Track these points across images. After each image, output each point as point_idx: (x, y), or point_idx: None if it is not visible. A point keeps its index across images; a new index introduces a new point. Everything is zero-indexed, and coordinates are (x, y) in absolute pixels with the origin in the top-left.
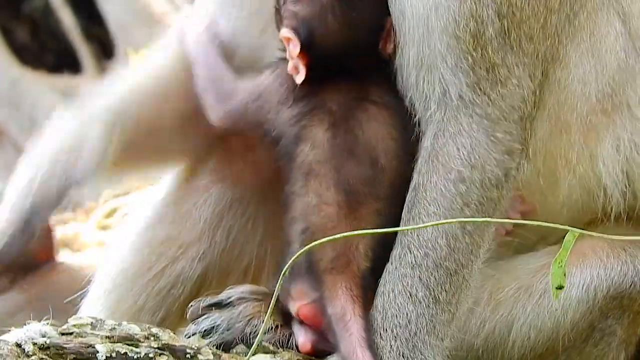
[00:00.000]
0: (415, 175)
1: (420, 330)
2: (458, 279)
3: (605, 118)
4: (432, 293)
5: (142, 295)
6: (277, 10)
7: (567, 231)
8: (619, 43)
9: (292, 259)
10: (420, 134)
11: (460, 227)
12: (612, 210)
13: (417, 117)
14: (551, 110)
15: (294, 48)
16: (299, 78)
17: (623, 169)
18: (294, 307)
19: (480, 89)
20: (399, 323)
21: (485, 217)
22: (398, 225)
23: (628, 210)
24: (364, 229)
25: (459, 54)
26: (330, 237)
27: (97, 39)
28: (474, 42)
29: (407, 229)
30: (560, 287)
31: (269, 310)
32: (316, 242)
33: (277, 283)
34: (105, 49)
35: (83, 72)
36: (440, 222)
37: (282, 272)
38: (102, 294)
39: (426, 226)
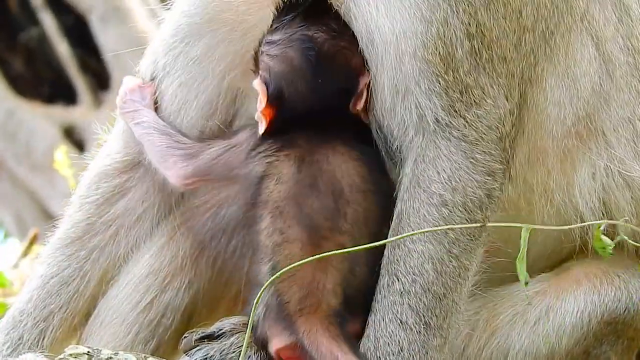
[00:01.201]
0: (398, 203)
1: (413, 356)
2: (447, 302)
3: (580, 144)
4: (423, 319)
5: (134, 327)
6: (256, 55)
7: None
8: (592, 67)
9: (258, 296)
10: (401, 161)
11: (446, 251)
12: (590, 240)
13: (395, 144)
14: (529, 134)
15: (261, 101)
16: (261, 129)
17: (599, 197)
18: (272, 347)
19: (456, 111)
20: (392, 351)
21: (471, 240)
22: (368, 261)
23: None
24: (330, 264)
25: (430, 77)
26: (300, 262)
27: (93, 70)
28: (444, 64)
29: (386, 242)
30: (526, 283)
31: (244, 347)
32: (281, 271)
33: (248, 323)
34: (100, 80)
35: (79, 102)
36: (407, 234)
37: (251, 313)
38: (96, 326)
39: (400, 238)
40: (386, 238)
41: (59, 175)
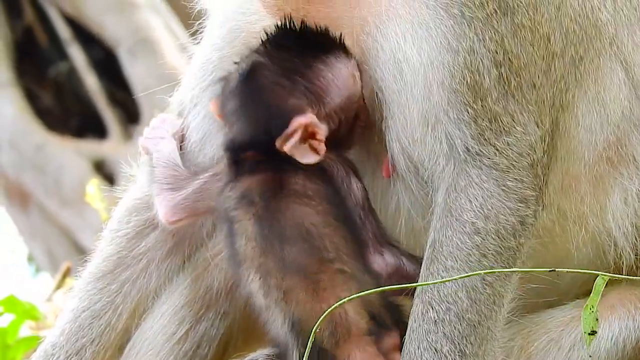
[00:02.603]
0: (431, 232)
1: None
2: (482, 330)
3: (612, 169)
4: (458, 347)
5: (169, 358)
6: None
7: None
8: (622, 92)
9: (308, 347)
10: (432, 190)
11: (480, 278)
12: (624, 265)
13: (427, 174)
14: (562, 160)
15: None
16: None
17: (632, 222)
18: None
19: (486, 140)
20: None
21: (505, 267)
22: (372, 277)
23: None
24: (342, 292)
25: (459, 106)
26: (344, 299)
27: (122, 103)
28: (472, 93)
29: (426, 284)
30: (592, 333)
31: None
32: (326, 312)
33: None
34: (130, 113)
35: (108, 136)
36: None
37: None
38: (132, 358)
39: (444, 281)
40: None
41: (89, 209)
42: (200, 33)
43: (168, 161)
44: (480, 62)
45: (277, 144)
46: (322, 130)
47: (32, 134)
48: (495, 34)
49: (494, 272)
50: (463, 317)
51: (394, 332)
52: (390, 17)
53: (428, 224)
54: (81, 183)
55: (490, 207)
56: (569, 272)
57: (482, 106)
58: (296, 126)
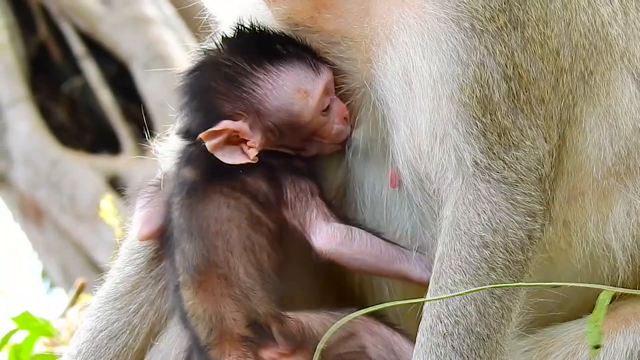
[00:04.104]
0: (439, 246)
1: None
2: (491, 343)
3: (617, 182)
4: None
5: None
6: None
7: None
8: (634, 104)
9: (330, 330)
10: (439, 204)
11: (488, 292)
12: (619, 278)
13: (433, 187)
14: (569, 175)
15: None
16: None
17: (633, 234)
18: None
19: (495, 154)
20: None
21: (513, 281)
22: (266, 286)
23: (637, 278)
24: (221, 296)
25: (468, 120)
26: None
27: (136, 118)
28: (481, 107)
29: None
30: (597, 347)
31: None
32: (339, 323)
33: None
34: (144, 129)
35: (122, 152)
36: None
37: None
38: None
39: (452, 296)
40: None
41: (103, 225)
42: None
43: (153, 178)
44: (490, 76)
45: (200, 137)
46: (255, 139)
47: (46, 149)
48: (505, 47)
49: (499, 286)
50: (472, 331)
51: (281, 345)
52: (401, 28)
53: (432, 237)
54: (95, 199)
55: (498, 221)
56: (574, 285)
57: (491, 120)
58: (221, 127)
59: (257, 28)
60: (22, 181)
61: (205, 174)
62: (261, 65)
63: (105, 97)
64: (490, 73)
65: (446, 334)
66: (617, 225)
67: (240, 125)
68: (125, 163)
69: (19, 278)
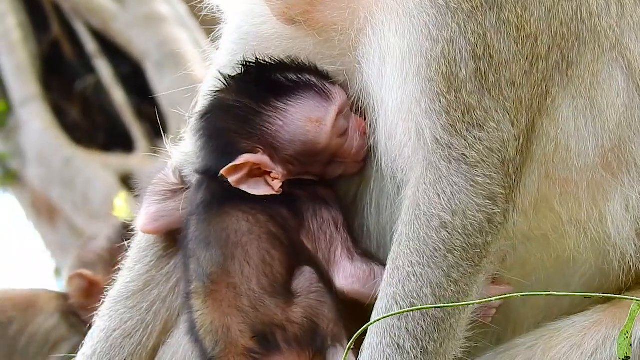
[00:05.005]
0: (399, 226)
1: None
2: (446, 328)
3: (610, 176)
4: (420, 343)
5: None
6: None
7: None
8: (620, 98)
9: (357, 334)
10: (402, 184)
11: (445, 275)
12: (632, 269)
13: (397, 166)
14: (539, 163)
15: None
16: None
17: (634, 228)
18: None
19: (457, 132)
20: None
21: (470, 265)
22: (275, 293)
23: None
24: (230, 307)
25: (432, 96)
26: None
27: (149, 117)
28: (446, 84)
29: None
30: (627, 358)
31: None
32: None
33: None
34: (157, 127)
35: (135, 150)
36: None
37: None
38: None
39: (466, 304)
40: None
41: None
42: (219, 40)
43: (162, 173)
44: (459, 53)
45: (222, 173)
46: (277, 170)
47: (59, 148)
48: (478, 27)
49: (503, 297)
50: (427, 314)
51: (286, 354)
52: (379, 9)
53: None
54: (108, 197)
55: (458, 202)
56: (604, 297)
57: (455, 97)
58: (242, 162)
59: (261, 61)
60: (35, 180)
61: (223, 196)
62: (268, 102)
63: (118, 96)
64: (459, 50)
65: (401, 316)
66: (616, 219)
67: (260, 158)
68: (138, 161)
69: (32, 276)
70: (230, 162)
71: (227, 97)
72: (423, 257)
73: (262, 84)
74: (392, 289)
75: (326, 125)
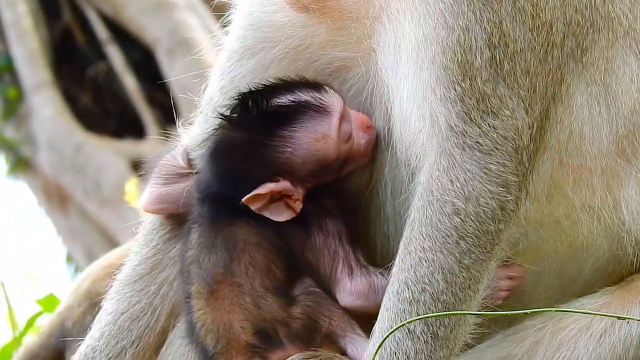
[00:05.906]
0: (411, 211)
1: None
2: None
3: (625, 162)
4: (431, 328)
5: None
6: None
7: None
8: (634, 84)
9: (388, 333)
10: (416, 170)
11: (457, 261)
12: None
13: (412, 153)
14: (553, 150)
15: None
16: None
17: None
18: None
19: (471, 120)
20: (398, 359)
21: (482, 251)
22: (277, 292)
23: None
24: (232, 304)
25: (447, 84)
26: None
27: (160, 103)
28: (461, 72)
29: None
30: None
31: None
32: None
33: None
34: (168, 113)
35: (146, 136)
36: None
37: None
38: (168, 358)
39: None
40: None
41: (128, 209)
42: (229, 25)
43: (171, 155)
44: (474, 41)
45: (244, 201)
46: (298, 192)
47: (70, 134)
48: (494, 15)
49: (507, 313)
50: (438, 299)
51: (289, 348)
52: None
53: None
54: (120, 183)
55: (471, 189)
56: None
57: (470, 85)
58: (265, 191)
59: (255, 91)
60: (46, 166)
61: (232, 210)
62: (275, 134)
63: (130, 82)
64: (475, 38)
65: (412, 300)
66: (631, 205)
67: (282, 185)
68: (149, 147)
69: (44, 263)
70: (249, 191)
71: (231, 134)
72: (435, 243)
73: (263, 117)
74: (403, 274)
75: (332, 138)
